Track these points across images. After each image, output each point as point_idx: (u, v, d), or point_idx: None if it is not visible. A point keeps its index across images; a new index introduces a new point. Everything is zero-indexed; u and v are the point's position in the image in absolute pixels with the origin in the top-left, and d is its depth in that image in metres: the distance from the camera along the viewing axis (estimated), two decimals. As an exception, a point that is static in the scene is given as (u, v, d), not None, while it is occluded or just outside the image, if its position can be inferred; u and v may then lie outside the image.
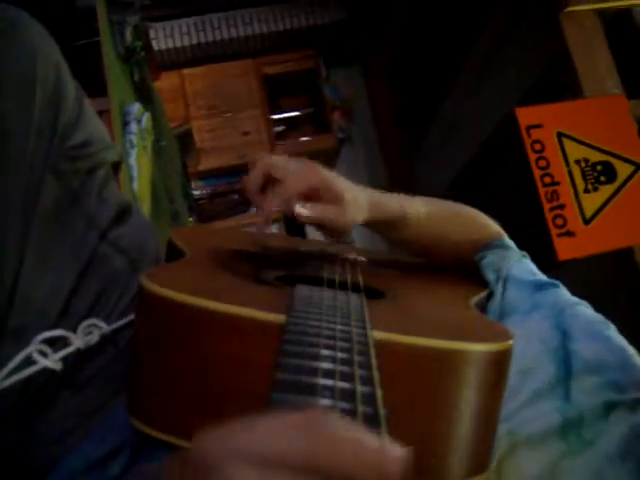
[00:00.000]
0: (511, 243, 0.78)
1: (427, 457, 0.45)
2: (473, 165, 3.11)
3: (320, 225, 0.68)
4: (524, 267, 0.73)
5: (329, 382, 0.31)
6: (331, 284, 0.57)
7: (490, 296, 0.70)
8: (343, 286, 0.57)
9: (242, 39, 4.03)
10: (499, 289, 0.70)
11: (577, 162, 2.02)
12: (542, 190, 2.01)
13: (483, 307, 0.69)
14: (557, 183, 2.01)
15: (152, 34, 3.76)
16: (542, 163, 2.02)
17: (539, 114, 2.06)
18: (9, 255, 0.64)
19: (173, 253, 0.70)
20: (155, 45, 3.83)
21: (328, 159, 4.29)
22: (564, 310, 0.64)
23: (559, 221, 1.99)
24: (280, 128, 4.27)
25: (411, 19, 3.71)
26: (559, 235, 1.99)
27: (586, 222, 1.99)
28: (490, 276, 0.72)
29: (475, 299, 0.66)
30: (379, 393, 0.31)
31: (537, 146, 2.03)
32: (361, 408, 0.28)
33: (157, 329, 0.49)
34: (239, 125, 4.07)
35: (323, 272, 0.62)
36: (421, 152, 3.94)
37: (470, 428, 0.46)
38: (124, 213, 0.79)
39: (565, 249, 1.97)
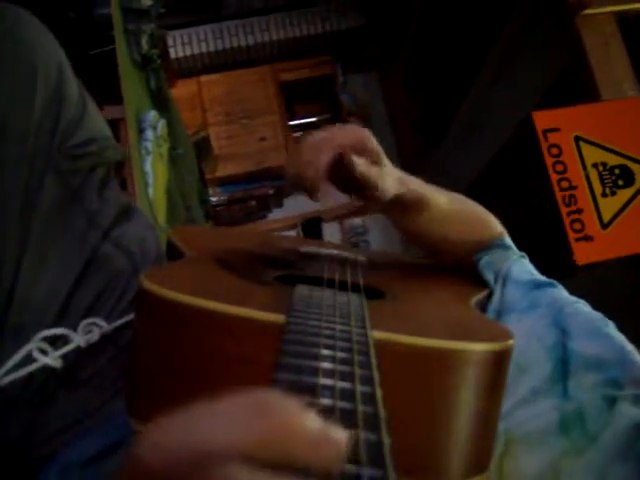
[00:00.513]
0: (510, 243, 0.78)
1: (427, 457, 0.45)
2: (490, 170, 3.09)
3: (366, 184, 0.64)
4: (522, 267, 0.73)
5: (329, 382, 0.30)
6: (331, 284, 0.57)
7: (490, 296, 0.70)
8: (343, 286, 0.57)
9: (259, 46, 4.06)
10: (498, 288, 0.70)
11: (594, 166, 2.01)
12: (559, 194, 1.99)
13: (483, 307, 0.69)
14: (574, 187, 2.00)
15: (170, 42, 3.80)
16: (559, 167, 2.01)
17: (556, 118, 2.04)
18: (8, 254, 0.64)
19: (173, 253, 0.69)
20: (173, 53, 3.87)
21: (345, 165, 4.30)
22: (563, 308, 0.63)
23: (577, 225, 1.97)
24: (297, 134, 4.28)
25: (428, 25, 3.71)
26: (577, 239, 1.97)
27: (604, 226, 1.97)
28: (489, 276, 0.72)
29: (475, 299, 0.65)
30: (379, 393, 0.31)
31: (554, 150, 2.02)
32: (361, 408, 0.28)
33: (156, 329, 0.49)
34: (256, 131, 4.08)
35: (323, 272, 0.62)
36: (438, 157, 3.92)
37: (470, 428, 0.46)
38: (126, 213, 0.79)
39: (583, 253, 1.95)
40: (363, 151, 0.63)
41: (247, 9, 3.94)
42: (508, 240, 0.78)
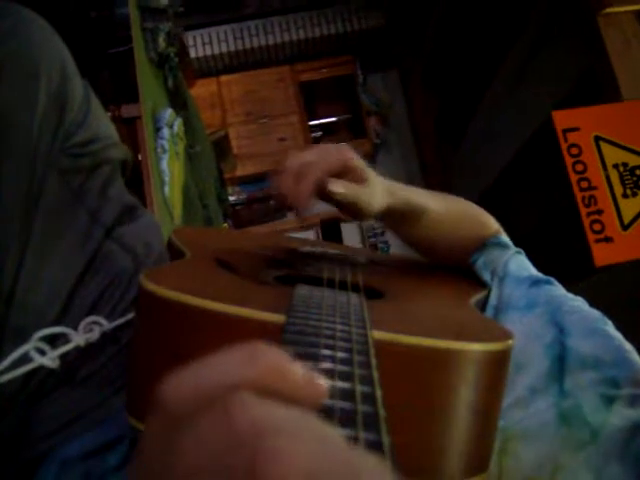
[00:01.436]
0: (507, 240, 0.77)
1: (426, 456, 0.45)
2: (510, 170, 3.07)
3: (347, 205, 0.64)
4: (520, 263, 0.72)
5: (329, 382, 0.30)
6: (331, 284, 0.57)
7: (488, 295, 0.70)
8: (343, 286, 0.57)
9: (279, 46, 4.07)
10: (495, 285, 0.70)
11: (615, 166, 1.98)
12: (579, 195, 1.97)
13: (483, 307, 0.69)
14: (595, 188, 1.97)
15: (190, 41, 3.82)
16: (579, 167, 1.98)
17: (576, 117, 2.02)
18: (9, 254, 0.65)
19: (174, 253, 0.70)
20: (193, 53, 3.89)
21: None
22: (560, 306, 0.63)
23: (597, 226, 1.95)
24: (317, 134, 4.28)
25: (448, 24, 3.69)
26: (597, 241, 1.95)
27: (624, 228, 1.94)
28: (486, 276, 0.72)
29: (475, 299, 0.65)
30: (379, 393, 0.30)
31: (574, 150, 2.00)
32: (361, 407, 0.28)
33: (155, 328, 0.49)
34: (276, 131, 4.09)
35: (323, 272, 0.62)
36: (458, 156, 3.90)
37: (470, 427, 0.46)
38: (130, 212, 0.79)
39: (603, 255, 1.93)
40: (346, 171, 0.63)
41: (267, 9, 3.95)
42: (504, 237, 0.77)
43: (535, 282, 0.68)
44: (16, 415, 0.66)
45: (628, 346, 0.55)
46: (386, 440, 0.26)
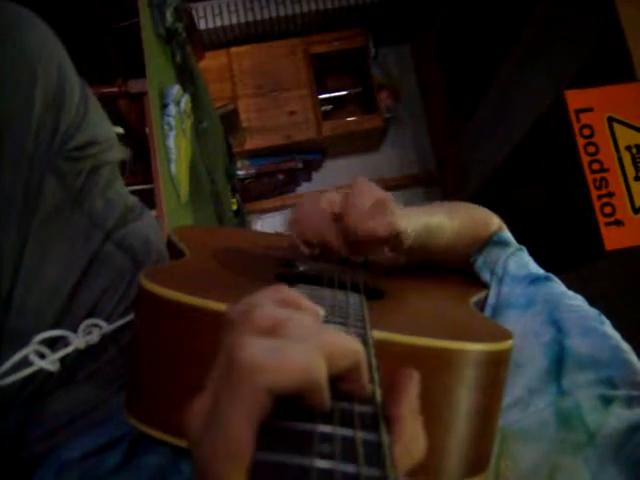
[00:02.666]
0: (508, 236, 0.75)
1: (427, 456, 0.45)
2: (521, 147, 3.04)
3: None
4: (519, 261, 0.72)
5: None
6: (331, 284, 0.57)
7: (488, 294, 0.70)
8: (343, 286, 0.56)
9: (290, 17, 4.01)
10: (494, 284, 0.69)
11: (628, 148, 1.95)
12: (590, 177, 1.94)
13: (483, 307, 0.69)
14: (606, 170, 1.94)
15: (200, 12, 3.79)
16: (591, 149, 1.96)
17: (589, 97, 1.99)
18: (6, 258, 0.64)
19: (173, 252, 0.70)
20: (203, 24, 3.85)
21: (375, 139, 4.27)
22: (559, 304, 0.63)
23: (607, 209, 1.93)
24: (327, 107, 4.24)
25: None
26: (607, 224, 1.93)
27: (636, 211, 1.92)
28: (486, 276, 0.71)
29: (475, 299, 0.66)
30: (379, 393, 0.31)
31: (586, 131, 1.97)
32: (361, 407, 0.28)
33: (155, 327, 0.49)
34: (286, 104, 4.06)
35: (323, 272, 0.62)
36: (470, 132, 3.87)
37: (469, 428, 0.46)
38: (131, 213, 0.79)
39: (613, 238, 1.91)
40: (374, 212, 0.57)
41: (278, -20, 3.90)
42: (505, 234, 0.76)
43: (534, 280, 0.68)
44: (15, 416, 0.67)
45: (625, 346, 0.56)
46: (386, 440, 0.26)
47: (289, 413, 0.27)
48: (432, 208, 0.70)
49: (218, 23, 3.95)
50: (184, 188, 1.77)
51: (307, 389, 0.26)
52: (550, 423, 0.52)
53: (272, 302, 0.31)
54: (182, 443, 0.46)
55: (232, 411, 0.25)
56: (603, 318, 0.60)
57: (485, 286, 0.71)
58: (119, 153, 0.79)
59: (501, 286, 0.69)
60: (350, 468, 0.23)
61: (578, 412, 0.51)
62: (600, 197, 1.91)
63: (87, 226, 0.71)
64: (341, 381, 0.29)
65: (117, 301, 0.73)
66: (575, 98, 1.98)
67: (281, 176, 4.18)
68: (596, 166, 1.94)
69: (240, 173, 3.71)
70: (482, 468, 0.48)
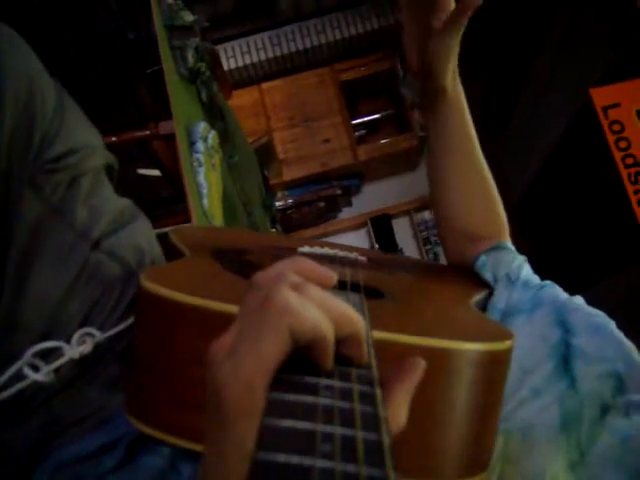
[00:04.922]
0: (510, 246, 0.77)
1: (425, 456, 0.45)
2: (556, 153, 2.99)
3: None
4: (529, 270, 0.72)
5: (329, 382, 0.31)
6: None
7: (490, 295, 0.70)
8: (343, 286, 0.57)
9: (317, 48, 4.07)
10: (503, 289, 0.69)
11: (660, 139, 1.91)
12: (624, 172, 1.91)
13: (483, 307, 0.68)
14: (640, 164, 1.91)
15: (229, 52, 3.87)
16: (623, 144, 1.92)
17: (616, 93, 1.96)
18: None
19: (173, 253, 0.70)
20: (233, 62, 3.94)
21: (412, 158, 4.26)
22: (565, 305, 0.63)
23: (645, 203, 1.88)
24: (361, 132, 4.26)
25: (486, 8, 3.61)
26: (647, 219, 1.88)
27: (674, 202, 1.87)
28: (487, 276, 0.71)
29: (475, 299, 0.65)
30: (379, 392, 0.31)
31: (616, 127, 1.94)
32: (361, 408, 0.29)
33: (155, 327, 0.50)
34: (320, 133, 4.10)
35: None
36: (504, 143, 3.83)
37: (468, 428, 0.46)
38: (120, 218, 0.78)
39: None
40: None
41: (300, 13, 3.96)
42: (508, 244, 0.77)
43: (541, 286, 0.68)
44: (13, 421, 0.67)
45: (629, 344, 0.56)
46: (386, 440, 0.26)
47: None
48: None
49: (247, 61, 4.03)
50: (218, 222, 1.80)
51: (317, 341, 0.31)
52: (553, 426, 0.51)
53: (293, 271, 0.35)
54: (182, 443, 0.47)
55: (262, 335, 0.30)
56: (608, 317, 0.60)
57: (485, 286, 0.71)
58: (101, 159, 0.78)
59: (512, 291, 0.68)
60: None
61: (578, 419, 0.51)
62: (636, 192, 1.87)
63: (71, 237, 0.71)
64: (343, 345, 0.33)
65: (110, 310, 0.72)
66: (601, 95, 1.96)
67: (322, 203, 4.20)
68: (629, 161, 1.91)
69: (278, 204, 3.75)
70: (482, 468, 0.47)
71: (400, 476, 0.24)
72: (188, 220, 1.76)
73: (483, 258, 0.73)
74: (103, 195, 0.78)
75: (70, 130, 0.72)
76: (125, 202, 0.83)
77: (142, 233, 0.82)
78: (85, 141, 0.75)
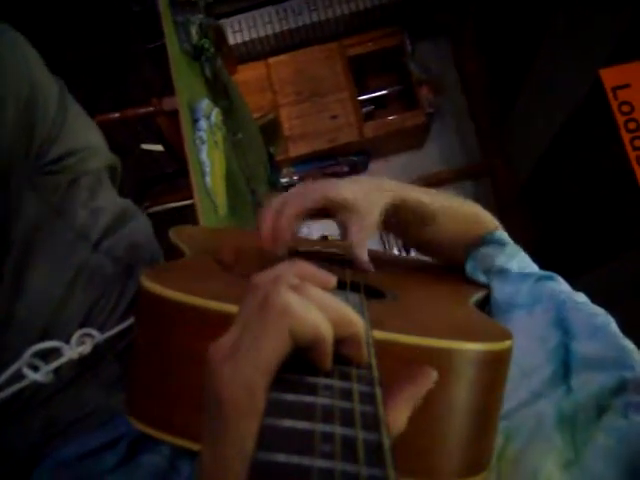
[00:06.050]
0: (504, 236, 0.75)
1: (426, 456, 0.45)
2: (565, 131, 2.96)
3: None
4: (521, 260, 0.71)
5: (329, 381, 0.31)
6: None
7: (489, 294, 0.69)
8: (343, 286, 0.56)
9: (324, 22, 4.02)
10: (496, 283, 0.69)
11: (670, 121, 1.89)
12: (633, 154, 1.89)
13: (483, 306, 0.68)
14: (649, 146, 1.89)
15: (235, 26, 3.84)
16: (632, 125, 1.90)
17: (625, 73, 1.93)
18: None
19: (173, 252, 0.70)
20: (239, 37, 3.91)
21: (419, 135, 4.23)
22: (564, 302, 0.62)
23: (653, 186, 1.87)
24: (368, 108, 4.23)
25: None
26: (654, 201, 1.87)
27: (683, 186, 1.86)
28: (481, 278, 0.71)
29: (475, 298, 0.65)
30: (379, 392, 0.31)
31: (625, 107, 1.91)
32: (361, 408, 0.29)
33: (155, 327, 0.50)
34: (327, 109, 4.07)
35: None
36: (513, 120, 3.80)
37: (468, 428, 0.46)
38: (120, 218, 0.79)
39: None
40: (330, 206, 0.63)
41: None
42: (501, 233, 0.75)
43: (540, 278, 0.67)
44: (13, 421, 0.68)
45: (631, 345, 0.55)
46: (386, 440, 0.26)
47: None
48: (417, 188, 0.70)
49: (254, 35, 3.99)
50: (221, 200, 1.80)
51: (317, 342, 0.31)
52: (550, 426, 0.51)
53: (292, 273, 0.35)
54: (181, 443, 0.47)
55: (262, 336, 0.30)
56: (608, 316, 0.59)
57: (485, 286, 0.70)
58: (102, 160, 0.78)
59: (504, 284, 0.68)
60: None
61: (573, 420, 0.50)
62: (645, 174, 1.86)
63: (71, 238, 0.71)
64: (342, 345, 0.33)
65: (109, 311, 0.73)
66: (611, 76, 1.93)
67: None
68: (638, 143, 1.89)
69: (284, 180, 3.74)
70: (482, 468, 0.47)
71: (400, 476, 0.24)
72: (191, 196, 1.76)
73: (471, 263, 0.72)
74: (103, 196, 0.78)
75: (71, 131, 0.72)
76: (125, 202, 0.83)
77: (141, 232, 0.83)
78: (86, 142, 0.76)
